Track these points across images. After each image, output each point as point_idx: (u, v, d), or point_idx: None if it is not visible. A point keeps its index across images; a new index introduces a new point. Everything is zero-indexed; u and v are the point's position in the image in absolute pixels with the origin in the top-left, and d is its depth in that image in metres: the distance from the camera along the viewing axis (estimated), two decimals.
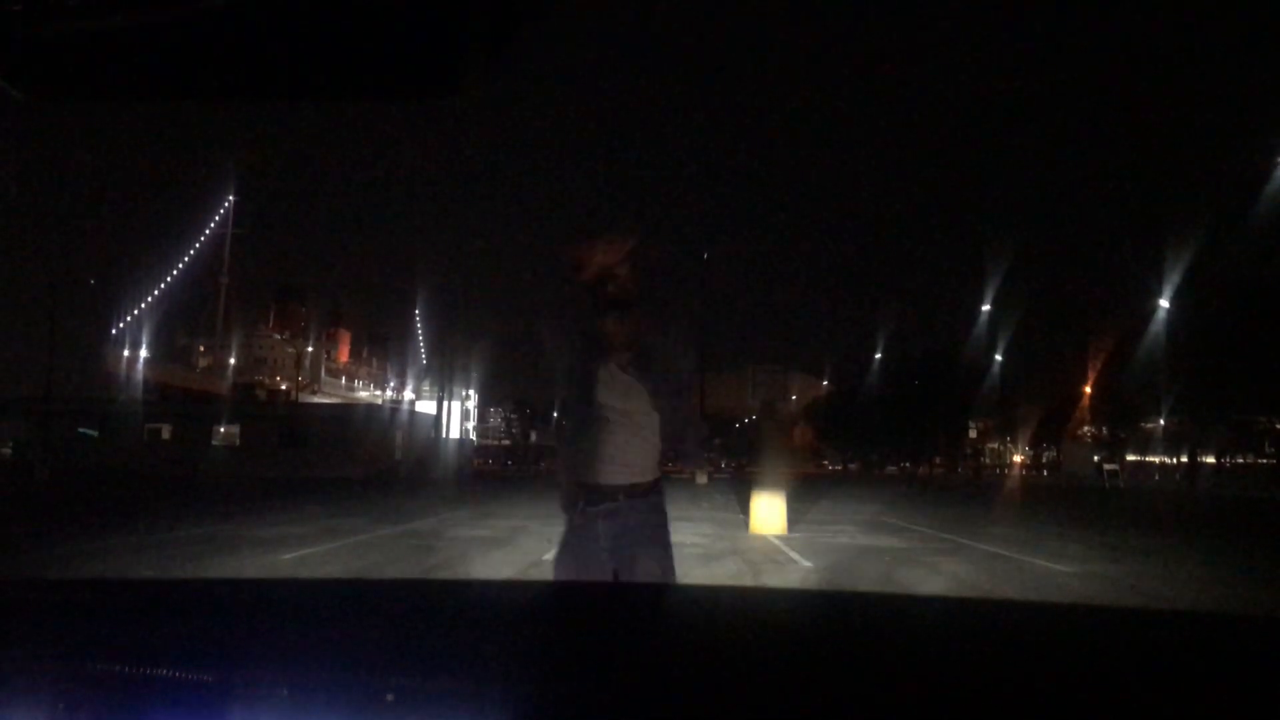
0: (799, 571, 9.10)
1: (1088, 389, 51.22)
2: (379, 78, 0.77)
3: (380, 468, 45.28)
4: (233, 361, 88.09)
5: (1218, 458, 56.15)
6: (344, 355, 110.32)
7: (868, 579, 8.70)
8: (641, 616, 1.34)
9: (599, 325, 2.58)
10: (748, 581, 8.27)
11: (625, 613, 1.35)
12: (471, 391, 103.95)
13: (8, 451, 46.06)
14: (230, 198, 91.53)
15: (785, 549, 10.95)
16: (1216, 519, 19.89)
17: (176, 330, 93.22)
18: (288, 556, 9.80)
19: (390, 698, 0.75)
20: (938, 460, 77.20)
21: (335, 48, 0.74)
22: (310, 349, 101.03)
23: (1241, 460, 60.67)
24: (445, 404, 68.36)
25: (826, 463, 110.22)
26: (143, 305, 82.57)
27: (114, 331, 77.97)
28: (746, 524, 13.54)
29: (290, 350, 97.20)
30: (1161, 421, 50.71)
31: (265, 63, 0.75)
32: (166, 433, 49.39)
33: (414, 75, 0.76)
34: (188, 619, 1.14)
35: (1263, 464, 55.79)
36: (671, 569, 2.68)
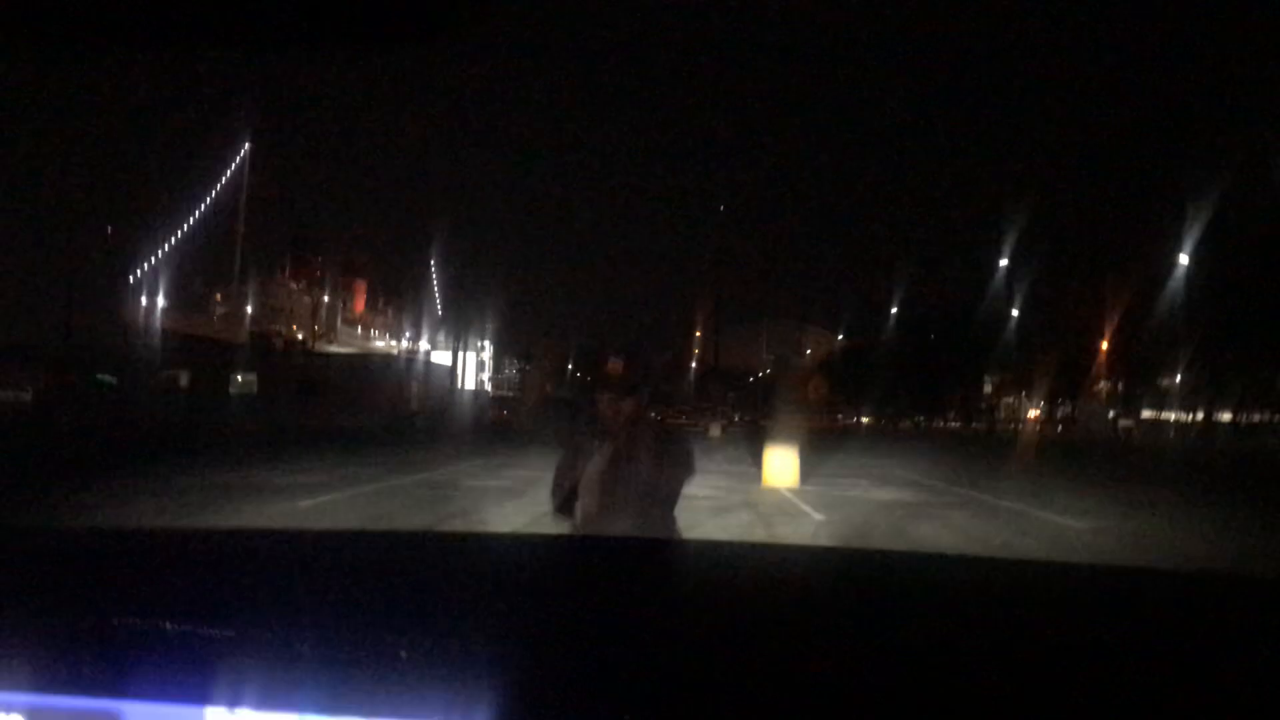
0: (811, 525, 9.15)
1: (1104, 344, 50.75)
2: (366, 23, 0.75)
3: (397, 417, 45.57)
4: (249, 310, 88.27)
5: (1234, 414, 55.73)
6: (360, 305, 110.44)
7: (879, 532, 8.75)
8: (652, 572, 1.34)
9: (596, 401, 2.80)
10: (759, 534, 8.33)
11: (636, 568, 1.35)
12: (487, 342, 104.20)
13: (27, 397, 46.35)
14: (246, 145, 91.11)
15: (797, 502, 11.01)
16: (1232, 475, 19.83)
17: (194, 279, 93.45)
18: (305, 504, 9.95)
19: (404, 654, 0.75)
20: (952, 415, 77.16)
21: None
22: (326, 299, 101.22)
23: (1258, 417, 60.27)
24: (461, 354, 68.51)
25: (840, 417, 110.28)
26: (160, 253, 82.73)
27: (131, 280, 78.20)
28: (759, 477, 13.60)
29: (306, 300, 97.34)
30: (1178, 378, 50.36)
31: (255, 10, 0.74)
32: (184, 380, 49.74)
33: (402, 20, 0.74)
34: (201, 571, 1.14)
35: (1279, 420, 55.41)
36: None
